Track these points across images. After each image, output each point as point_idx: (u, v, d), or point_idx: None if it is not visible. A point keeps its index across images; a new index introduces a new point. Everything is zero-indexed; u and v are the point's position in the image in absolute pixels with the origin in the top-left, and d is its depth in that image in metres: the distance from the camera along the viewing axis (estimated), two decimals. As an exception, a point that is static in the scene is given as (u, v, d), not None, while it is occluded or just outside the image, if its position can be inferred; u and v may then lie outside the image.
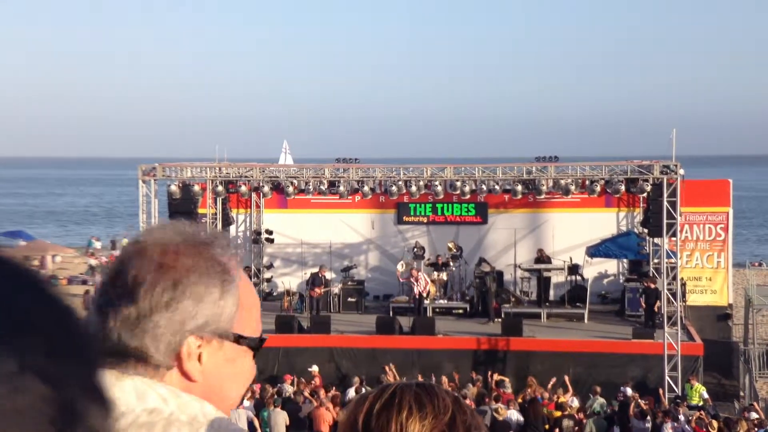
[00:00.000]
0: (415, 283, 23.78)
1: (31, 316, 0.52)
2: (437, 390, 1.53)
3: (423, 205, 26.99)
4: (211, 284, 1.44)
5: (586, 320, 23.83)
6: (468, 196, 25.15)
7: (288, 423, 17.01)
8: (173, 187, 23.68)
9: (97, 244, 45.33)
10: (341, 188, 24.08)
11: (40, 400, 0.50)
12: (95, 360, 0.56)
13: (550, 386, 18.73)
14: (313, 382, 20.05)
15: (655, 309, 22.22)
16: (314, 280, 24.44)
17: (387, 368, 19.47)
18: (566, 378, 19.18)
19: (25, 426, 0.48)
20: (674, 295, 21.72)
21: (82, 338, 0.56)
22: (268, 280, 28.25)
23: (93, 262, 39.80)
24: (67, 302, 0.56)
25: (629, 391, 18.70)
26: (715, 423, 16.59)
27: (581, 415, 17.69)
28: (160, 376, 1.40)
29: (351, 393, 18.53)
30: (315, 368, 20.81)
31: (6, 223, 65.29)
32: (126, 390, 1.33)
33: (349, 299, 25.32)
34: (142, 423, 1.30)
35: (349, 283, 25.92)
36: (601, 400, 18.45)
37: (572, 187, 23.38)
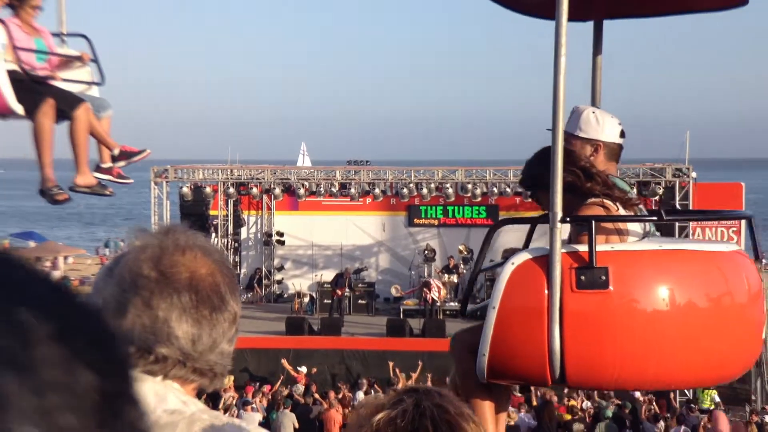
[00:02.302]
0: (429, 292, 23.79)
1: (73, 309, 0.55)
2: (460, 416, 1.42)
3: (434, 208, 26.98)
4: (233, 287, 1.46)
5: (597, 323, 23.74)
6: (479, 199, 25.15)
7: (297, 425, 17.02)
8: (185, 189, 23.78)
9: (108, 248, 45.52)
10: (352, 190, 24.12)
11: (89, 387, 0.51)
12: (130, 357, 0.58)
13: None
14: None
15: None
16: (337, 281, 24.53)
17: (398, 371, 19.47)
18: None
19: (74, 410, 0.50)
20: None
21: (117, 336, 0.58)
22: (279, 282, 28.29)
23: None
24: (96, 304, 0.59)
25: (637, 393, 18.63)
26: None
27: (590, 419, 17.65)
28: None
29: (360, 395, 18.53)
30: (303, 369, 20.82)
31: (36, 225, 65.62)
32: (146, 392, 1.35)
33: (360, 301, 25.35)
34: (165, 423, 1.31)
35: (360, 285, 25.96)
36: (612, 406, 18.37)
37: (584, 190, 23.34)
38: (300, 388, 19.43)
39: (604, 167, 3.51)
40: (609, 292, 3.10)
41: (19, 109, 5.10)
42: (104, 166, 5.86)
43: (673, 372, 3.28)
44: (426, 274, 25.56)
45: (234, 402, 17.65)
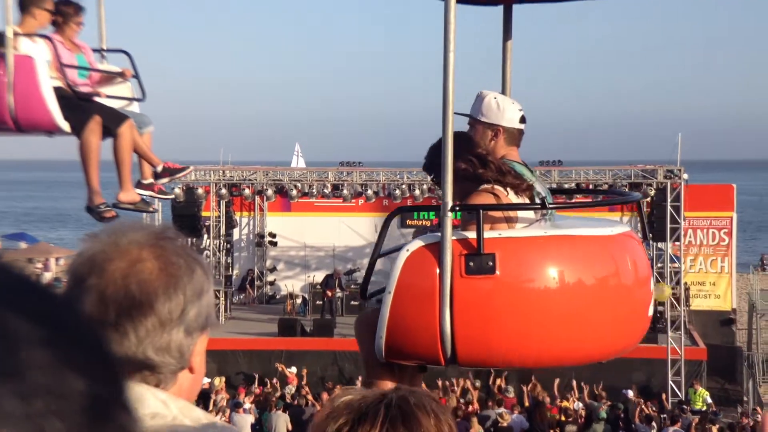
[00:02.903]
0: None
1: (61, 314, 0.55)
2: (419, 412, 1.41)
3: (427, 209, 26.98)
4: (201, 278, 1.43)
5: (589, 324, 23.78)
6: (472, 200, 25.17)
7: (290, 426, 16.99)
8: (177, 190, 23.70)
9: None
10: (345, 192, 24.09)
11: (77, 392, 0.51)
12: (119, 362, 0.57)
13: (556, 389, 18.67)
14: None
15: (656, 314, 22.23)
16: (327, 282, 24.51)
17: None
18: (573, 382, 19.16)
19: (62, 415, 0.50)
20: (678, 299, 21.70)
21: (105, 341, 0.58)
22: (272, 283, 28.26)
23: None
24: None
25: (630, 393, 18.66)
26: (714, 428, 16.55)
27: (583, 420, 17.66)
28: (175, 379, 1.41)
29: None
30: (293, 369, 20.80)
31: (31, 226, 65.41)
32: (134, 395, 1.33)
33: (352, 302, 25.32)
34: (146, 428, 1.29)
35: (352, 286, 25.93)
36: (604, 407, 18.38)
37: (576, 191, 23.37)
38: (292, 389, 19.41)
39: (505, 152, 3.66)
40: (496, 277, 3.27)
41: (66, 126, 5.08)
42: (145, 182, 5.87)
43: (557, 350, 3.48)
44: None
45: (226, 404, 17.61)
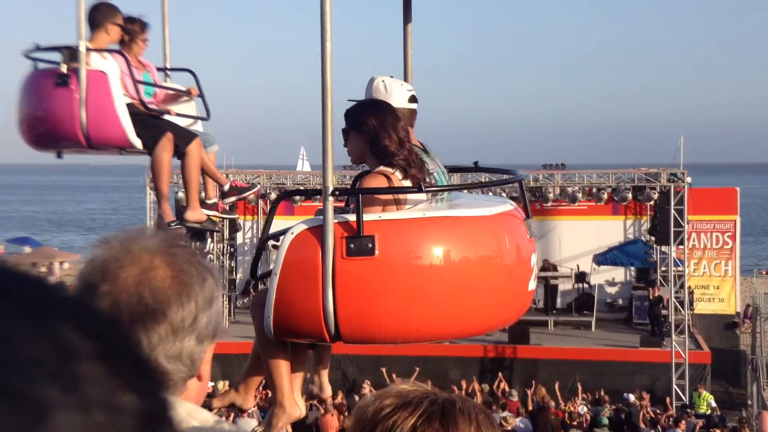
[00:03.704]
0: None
1: (111, 330, 0.56)
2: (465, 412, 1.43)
3: (430, 213, 26.98)
4: (212, 286, 1.44)
5: (593, 328, 23.79)
6: (475, 203, 25.17)
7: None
8: (180, 194, 23.72)
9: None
10: (348, 195, 24.10)
11: (130, 407, 0.52)
12: (160, 376, 0.59)
13: (557, 392, 18.66)
14: None
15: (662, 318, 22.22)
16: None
17: (393, 376, 19.44)
18: (579, 385, 19.14)
19: (117, 428, 0.50)
20: (682, 303, 21.67)
21: (148, 357, 0.59)
22: (275, 287, 28.25)
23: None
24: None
25: (632, 397, 18.62)
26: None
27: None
28: (185, 387, 1.42)
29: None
30: None
31: (36, 230, 65.46)
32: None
33: (356, 306, 25.31)
34: None
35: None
36: (608, 411, 18.35)
37: (579, 195, 23.38)
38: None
39: None
40: (375, 258, 3.41)
41: (138, 142, 5.03)
42: (209, 202, 5.87)
43: (436, 326, 3.63)
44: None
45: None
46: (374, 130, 3.61)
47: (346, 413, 17.94)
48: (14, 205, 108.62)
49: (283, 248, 3.50)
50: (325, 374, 4.27)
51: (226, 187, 5.91)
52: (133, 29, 5.42)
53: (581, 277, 25.18)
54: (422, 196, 3.66)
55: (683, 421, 16.84)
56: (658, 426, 17.00)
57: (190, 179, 5.41)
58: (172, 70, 5.86)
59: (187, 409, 1.37)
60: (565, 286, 25.52)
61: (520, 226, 3.88)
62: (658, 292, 22.69)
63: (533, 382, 19.56)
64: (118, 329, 0.57)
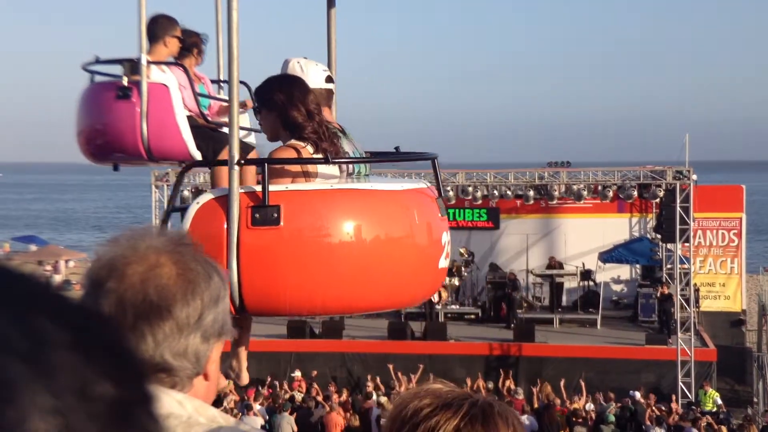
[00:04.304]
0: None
1: (88, 320, 0.57)
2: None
3: (435, 211, 26.96)
4: (218, 284, 1.45)
5: (598, 326, 23.77)
6: (480, 201, 25.16)
7: (295, 428, 17.00)
8: (186, 193, 23.76)
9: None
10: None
11: (104, 394, 0.53)
12: (143, 366, 0.60)
13: (562, 389, 18.65)
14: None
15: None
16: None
17: (399, 374, 19.45)
18: (582, 383, 19.13)
19: (88, 415, 0.51)
20: (687, 301, 21.64)
21: (131, 347, 0.60)
22: (280, 285, 28.29)
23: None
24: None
25: (638, 395, 18.60)
26: (724, 429, 16.49)
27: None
28: (191, 384, 1.42)
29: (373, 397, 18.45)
30: (297, 374, 20.83)
31: (44, 228, 65.60)
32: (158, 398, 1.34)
33: (361, 304, 25.31)
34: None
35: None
36: (614, 409, 18.34)
37: (584, 193, 23.35)
38: (299, 394, 19.42)
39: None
40: (280, 228, 3.39)
41: (199, 155, 4.99)
42: None
43: (343, 299, 3.59)
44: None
45: (234, 405, 17.63)
46: (282, 104, 3.60)
47: (351, 411, 17.95)
48: (22, 204, 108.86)
49: (188, 217, 3.48)
50: (244, 357, 4.12)
51: None
52: (191, 41, 5.41)
53: (587, 274, 25.16)
54: (335, 171, 3.65)
55: (689, 421, 16.80)
56: (664, 424, 16.97)
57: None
58: (225, 82, 5.87)
59: (194, 405, 1.38)
60: (570, 283, 25.50)
61: (432, 204, 3.85)
62: (668, 290, 22.65)
63: (538, 380, 19.54)
64: (100, 322, 0.58)
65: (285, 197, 3.43)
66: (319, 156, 3.57)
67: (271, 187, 3.41)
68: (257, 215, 3.39)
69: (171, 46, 5.21)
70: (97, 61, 5.07)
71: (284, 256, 3.43)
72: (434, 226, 3.78)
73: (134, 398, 0.56)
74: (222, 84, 5.83)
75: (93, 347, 0.55)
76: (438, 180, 4.08)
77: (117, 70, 4.98)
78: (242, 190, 3.43)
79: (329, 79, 3.94)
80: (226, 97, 5.84)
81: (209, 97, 5.56)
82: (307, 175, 3.62)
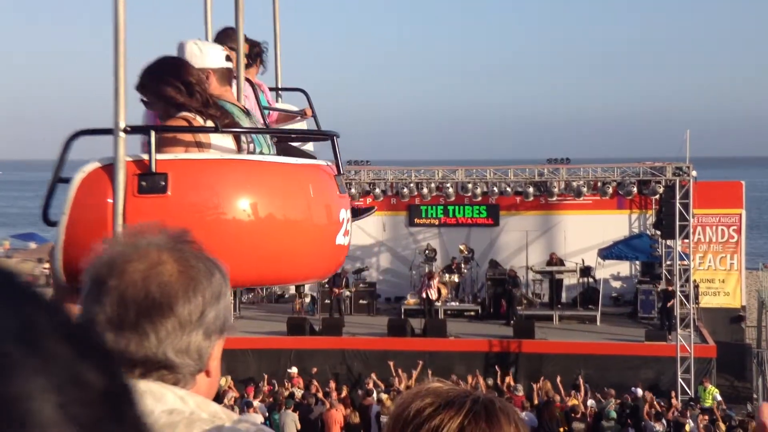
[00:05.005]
0: (431, 287, 23.79)
1: (68, 319, 0.59)
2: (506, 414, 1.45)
3: (434, 207, 26.98)
4: (220, 281, 1.45)
5: (598, 322, 23.79)
6: (479, 198, 25.17)
7: (299, 425, 17.02)
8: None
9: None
10: (352, 190, 24.10)
11: (96, 386, 0.56)
12: (120, 361, 0.63)
13: (559, 385, 18.67)
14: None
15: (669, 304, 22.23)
16: (335, 281, 24.57)
17: (399, 371, 19.46)
18: (580, 379, 19.14)
19: (85, 402, 0.54)
20: (687, 297, 21.65)
21: (105, 339, 0.62)
22: (280, 282, 28.28)
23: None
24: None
25: (639, 391, 18.63)
26: (722, 425, 16.51)
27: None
28: (194, 381, 1.43)
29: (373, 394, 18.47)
30: (294, 370, 20.84)
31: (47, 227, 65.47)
32: (141, 393, 1.34)
33: (361, 301, 25.34)
34: (164, 424, 1.31)
35: (361, 285, 25.94)
36: (614, 405, 18.35)
37: (584, 189, 23.36)
38: (299, 390, 19.43)
39: (219, 91, 3.76)
40: (167, 197, 3.33)
41: None
42: None
43: (233, 272, 3.51)
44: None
45: (234, 403, 17.64)
46: (158, 87, 3.53)
47: (351, 408, 17.97)
48: (21, 201, 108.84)
49: (72, 186, 3.39)
50: None
51: None
52: (254, 51, 5.36)
53: (586, 271, 25.18)
54: (231, 145, 3.60)
55: (688, 417, 16.82)
56: (664, 420, 16.99)
57: None
58: (283, 89, 5.84)
59: (196, 401, 1.38)
60: (570, 280, 25.51)
61: (329, 180, 3.80)
62: (671, 287, 22.64)
63: (542, 378, 19.55)
64: (83, 324, 0.61)
65: (173, 166, 3.38)
66: (210, 125, 3.51)
67: (159, 156, 3.36)
68: (144, 183, 3.33)
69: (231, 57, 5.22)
70: None
71: (171, 225, 3.38)
72: (332, 202, 3.75)
73: (120, 389, 0.58)
74: (280, 92, 5.78)
75: (82, 342, 0.57)
76: (337, 158, 4.01)
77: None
78: (131, 158, 3.37)
79: (228, 58, 3.90)
80: (288, 107, 5.82)
81: (270, 108, 5.49)
82: (200, 146, 3.55)
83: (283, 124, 5.70)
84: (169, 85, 3.49)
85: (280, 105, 5.80)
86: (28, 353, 0.53)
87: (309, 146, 5.73)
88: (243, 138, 3.67)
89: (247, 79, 5.18)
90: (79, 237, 3.35)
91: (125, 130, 3.36)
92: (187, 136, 3.55)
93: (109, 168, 3.37)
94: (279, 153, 5.06)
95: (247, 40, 5.32)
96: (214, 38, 4.97)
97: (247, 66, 5.35)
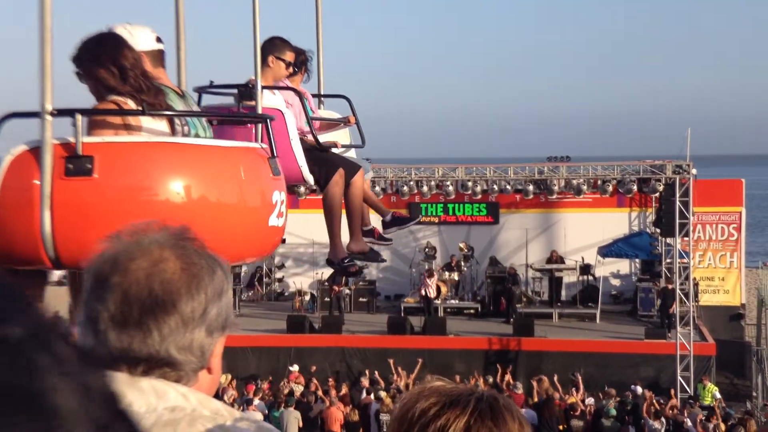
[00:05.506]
0: (429, 286, 23.79)
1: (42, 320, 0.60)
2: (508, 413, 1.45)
3: (434, 205, 26.97)
4: (221, 278, 1.45)
5: (598, 320, 23.79)
6: (479, 196, 25.18)
7: (301, 423, 17.03)
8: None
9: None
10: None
11: (99, 385, 0.59)
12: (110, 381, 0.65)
13: (557, 383, 18.67)
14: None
15: (670, 311, 22.22)
16: (335, 278, 24.57)
17: (399, 369, 19.46)
18: (579, 377, 19.15)
19: (93, 402, 0.57)
20: (687, 295, 21.65)
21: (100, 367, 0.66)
22: (280, 280, 28.29)
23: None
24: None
25: (639, 389, 18.64)
26: (722, 425, 16.51)
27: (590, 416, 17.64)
28: (196, 378, 1.43)
29: (364, 394, 18.50)
30: (295, 368, 20.85)
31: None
32: (144, 390, 1.35)
33: (361, 299, 25.35)
34: (166, 421, 1.31)
35: (361, 283, 25.94)
36: (613, 402, 18.36)
37: (584, 187, 23.37)
38: (300, 386, 19.44)
39: (153, 74, 3.72)
40: (94, 180, 3.33)
41: (311, 179, 4.96)
42: (365, 228, 5.80)
43: None
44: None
45: (234, 401, 17.65)
46: (92, 66, 3.51)
47: (351, 405, 17.97)
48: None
49: (1, 169, 3.39)
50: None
51: (388, 218, 5.84)
52: (301, 60, 5.36)
53: (586, 269, 25.18)
54: (164, 128, 3.59)
55: (687, 415, 16.82)
56: (663, 418, 17.00)
57: (353, 209, 5.37)
58: (327, 96, 5.80)
59: (198, 398, 1.38)
60: (569, 278, 25.52)
61: (262, 163, 3.81)
62: (671, 285, 22.64)
63: (543, 376, 19.54)
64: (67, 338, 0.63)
65: (100, 148, 3.38)
66: (138, 108, 3.48)
67: (85, 139, 3.36)
68: (70, 166, 3.33)
69: (275, 68, 5.17)
70: (211, 85, 5.09)
71: (98, 209, 3.37)
72: (264, 184, 3.76)
73: (113, 390, 0.60)
74: (322, 99, 5.75)
75: (78, 347, 0.60)
76: (270, 140, 4.01)
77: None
78: (58, 141, 3.37)
79: (159, 40, 3.87)
80: (332, 114, 5.78)
81: (316, 118, 5.47)
82: (130, 129, 3.53)
83: (325, 131, 5.67)
84: (102, 67, 3.47)
85: (322, 113, 5.75)
86: (49, 355, 0.56)
87: (352, 153, 5.71)
88: (177, 121, 3.66)
89: (293, 87, 5.17)
90: (6, 219, 3.39)
91: (51, 113, 3.37)
92: (117, 120, 3.54)
93: (37, 151, 3.37)
94: (315, 159, 5.04)
95: (292, 48, 5.31)
96: (261, 46, 4.96)
97: (293, 74, 5.34)
